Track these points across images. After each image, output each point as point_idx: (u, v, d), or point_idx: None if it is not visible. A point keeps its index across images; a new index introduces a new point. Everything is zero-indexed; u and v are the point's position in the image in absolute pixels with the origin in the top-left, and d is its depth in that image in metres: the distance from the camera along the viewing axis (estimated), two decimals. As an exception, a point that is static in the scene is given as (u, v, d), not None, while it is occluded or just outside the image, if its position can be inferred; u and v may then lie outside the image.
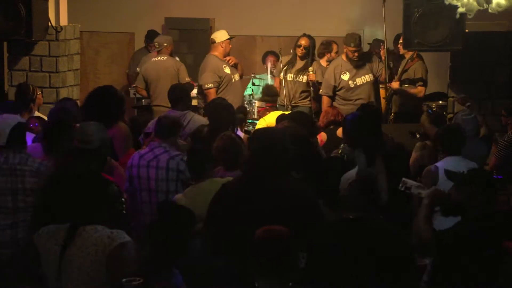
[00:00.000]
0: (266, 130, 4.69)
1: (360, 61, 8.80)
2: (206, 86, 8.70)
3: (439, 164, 5.55)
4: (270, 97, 8.20)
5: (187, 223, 3.58)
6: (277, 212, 3.84)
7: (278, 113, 7.60)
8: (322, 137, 6.99)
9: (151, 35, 10.34)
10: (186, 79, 8.88)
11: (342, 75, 8.80)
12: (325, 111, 7.46)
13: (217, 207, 4.08)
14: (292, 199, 3.94)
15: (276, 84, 9.14)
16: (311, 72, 8.97)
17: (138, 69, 9.77)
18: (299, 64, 9.09)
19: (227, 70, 8.83)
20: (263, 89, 8.53)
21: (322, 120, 7.22)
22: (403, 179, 4.25)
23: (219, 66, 8.79)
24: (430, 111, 6.95)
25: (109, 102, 6.00)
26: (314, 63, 9.16)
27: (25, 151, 5.04)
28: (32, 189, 4.87)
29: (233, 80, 8.84)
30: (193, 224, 3.63)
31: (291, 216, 3.76)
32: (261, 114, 8.16)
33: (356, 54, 8.72)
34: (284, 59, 9.24)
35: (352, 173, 3.90)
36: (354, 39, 8.73)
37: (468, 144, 5.80)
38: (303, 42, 9.05)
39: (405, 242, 3.76)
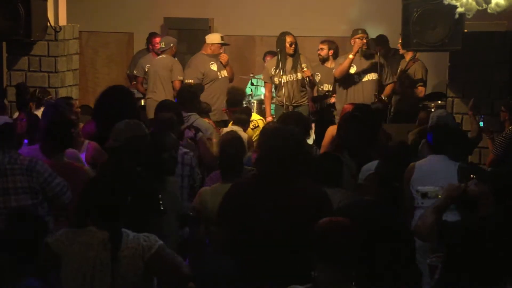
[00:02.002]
0: (277, 128, 4.68)
1: (368, 55, 8.76)
2: (185, 81, 9.07)
3: (419, 161, 5.57)
4: (231, 100, 8.13)
5: (36, 233, 3.52)
6: (291, 211, 3.84)
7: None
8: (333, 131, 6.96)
9: (153, 37, 10.38)
10: (178, 77, 9.20)
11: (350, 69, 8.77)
12: (344, 108, 7.42)
13: (229, 206, 4.06)
14: (306, 197, 3.92)
15: (268, 90, 9.10)
16: (305, 69, 8.94)
17: (135, 72, 9.91)
18: (289, 62, 9.03)
19: (214, 67, 9.13)
20: (227, 92, 8.45)
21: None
22: (417, 188, 4.29)
23: (204, 62, 9.14)
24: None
25: (125, 102, 5.94)
26: (302, 58, 9.08)
27: (15, 150, 4.98)
28: (23, 188, 4.82)
29: (220, 77, 9.12)
30: (41, 234, 3.57)
31: (305, 215, 3.76)
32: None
33: (365, 41, 8.70)
34: (270, 63, 9.21)
35: (372, 165, 4.01)
36: (360, 29, 8.77)
37: None
38: (290, 39, 9.02)
39: (409, 233, 3.79)
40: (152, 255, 3.46)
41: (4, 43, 8.28)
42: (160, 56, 9.45)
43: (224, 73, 9.20)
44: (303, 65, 8.92)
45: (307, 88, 9.06)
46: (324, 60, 9.56)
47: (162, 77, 9.24)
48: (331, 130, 6.67)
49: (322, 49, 9.56)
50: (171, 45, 9.44)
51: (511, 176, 4.02)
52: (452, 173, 5.16)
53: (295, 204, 3.87)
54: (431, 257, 4.30)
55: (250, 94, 9.59)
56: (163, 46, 9.44)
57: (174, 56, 9.52)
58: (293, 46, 8.98)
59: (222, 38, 9.39)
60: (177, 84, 9.11)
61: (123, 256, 3.44)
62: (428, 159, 5.52)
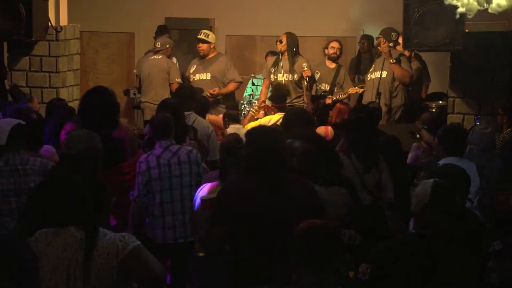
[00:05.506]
0: (263, 127, 4.70)
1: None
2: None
3: (440, 162, 5.58)
4: (276, 96, 8.12)
5: None
6: (282, 207, 3.87)
7: (266, 118, 7.64)
8: (328, 132, 6.98)
9: (161, 31, 10.30)
10: (176, 80, 9.08)
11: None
12: (338, 109, 7.41)
13: (224, 205, 4.07)
14: (296, 193, 3.97)
15: (265, 85, 9.14)
16: (306, 68, 8.95)
17: (134, 70, 9.89)
18: (285, 63, 9.05)
19: None
20: (272, 88, 8.48)
21: (334, 118, 7.22)
22: None
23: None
24: (425, 126, 6.97)
25: (109, 103, 5.93)
26: (301, 59, 9.06)
27: (24, 152, 4.98)
28: None
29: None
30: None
31: (296, 210, 3.79)
32: (268, 113, 8.16)
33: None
34: (270, 61, 9.26)
35: (425, 191, 3.56)
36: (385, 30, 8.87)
37: (482, 157, 5.88)
38: (282, 38, 9.07)
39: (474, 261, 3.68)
40: (126, 255, 3.42)
41: (5, 43, 8.29)
42: (155, 57, 9.25)
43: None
44: (304, 64, 8.91)
45: (304, 89, 9.04)
46: (332, 58, 9.53)
47: (156, 78, 9.09)
48: (321, 131, 6.77)
49: (333, 47, 9.53)
50: (167, 46, 9.29)
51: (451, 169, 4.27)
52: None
53: (286, 199, 3.92)
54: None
55: (251, 94, 9.59)
56: (159, 46, 9.28)
57: (169, 56, 9.37)
58: (281, 43, 9.00)
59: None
60: (175, 87, 8.85)
61: (97, 255, 3.41)
62: (446, 161, 5.53)
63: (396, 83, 8.61)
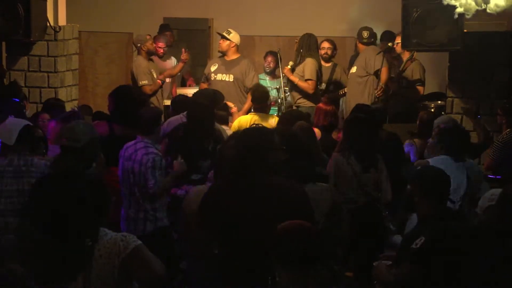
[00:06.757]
0: (251, 130, 4.69)
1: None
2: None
3: (430, 159, 5.58)
4: (255, 97, 8.07)
5: None
6: (270, 210, 3.84)
7: (247, 117, 7.60)
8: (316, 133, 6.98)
9: (160, 30, 10.28)
10: (140, 82, 8.88)
11: None
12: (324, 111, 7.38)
13: (209, 208, 4.05)
14: (283, 195, 3.93)
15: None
16: (288, 67, 8.99)
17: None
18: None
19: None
20: (252, 89, 8.43)
21: (323, 119, 7.20)
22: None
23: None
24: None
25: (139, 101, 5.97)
26: (308, 60, 9.04)
27: (29, 153, 5.00)
28: None
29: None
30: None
31: (285, 212, 3.74)
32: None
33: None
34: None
35: (495, 194, 3.82)
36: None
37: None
38: (297, 39, 9.16)
39: None
40: (127, 254, 3.41)
41: (3, 43, 8.28)
42: (134, 58, 9.14)
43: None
44: (290, 62, 8.99)
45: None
46: (325, 59, 9.58)
47: (133, 83, 8.97)
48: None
49: (324, 48, 9.63)
50: (138, 45, 9.06)
51: (434, 172, 4.25)
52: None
53: (272, 200, 3.88)
54: None
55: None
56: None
57: (149, 53, 9.09)
58: (295, 45, 9.08)
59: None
60: (146, 90, 8.81)
61: (98, 255, 3.40)
62: (436, 158, 5.52)
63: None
